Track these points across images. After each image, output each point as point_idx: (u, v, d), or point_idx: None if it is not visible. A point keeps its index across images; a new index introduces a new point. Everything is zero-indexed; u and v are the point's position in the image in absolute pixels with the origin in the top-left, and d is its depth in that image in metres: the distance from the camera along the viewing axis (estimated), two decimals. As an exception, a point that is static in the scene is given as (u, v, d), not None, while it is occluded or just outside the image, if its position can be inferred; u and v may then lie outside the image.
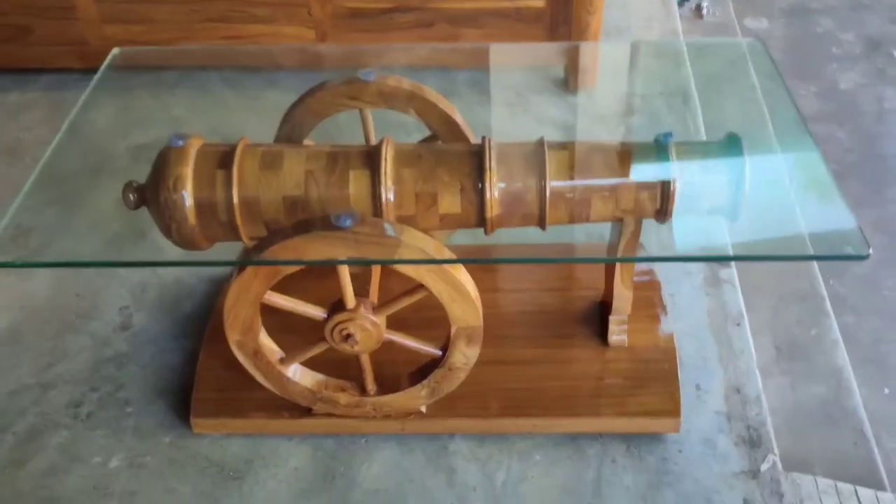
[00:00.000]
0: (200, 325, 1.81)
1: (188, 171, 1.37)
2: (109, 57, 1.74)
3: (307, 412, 1.55)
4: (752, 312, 1.93)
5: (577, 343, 1.67)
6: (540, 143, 1.43)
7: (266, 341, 1.45)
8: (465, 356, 1.44)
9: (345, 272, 1.35)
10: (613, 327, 1.64)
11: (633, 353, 1.65)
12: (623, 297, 1.59)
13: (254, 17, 2.32)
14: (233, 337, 1.42)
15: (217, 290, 1.86)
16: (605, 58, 2.52)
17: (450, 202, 1.40)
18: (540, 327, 1.71)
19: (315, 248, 1.29)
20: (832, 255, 1.45)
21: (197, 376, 1.64)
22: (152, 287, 1.92)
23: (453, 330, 1.41)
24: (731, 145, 1.41)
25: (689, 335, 1.76)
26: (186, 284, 1.92)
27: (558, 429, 1.57)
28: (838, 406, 1.78)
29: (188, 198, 1.36)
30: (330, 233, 1.27)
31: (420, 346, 1.46)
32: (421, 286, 1.36)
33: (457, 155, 1.42)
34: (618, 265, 1.54)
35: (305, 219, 1.32)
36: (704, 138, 2.18)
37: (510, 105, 2.46)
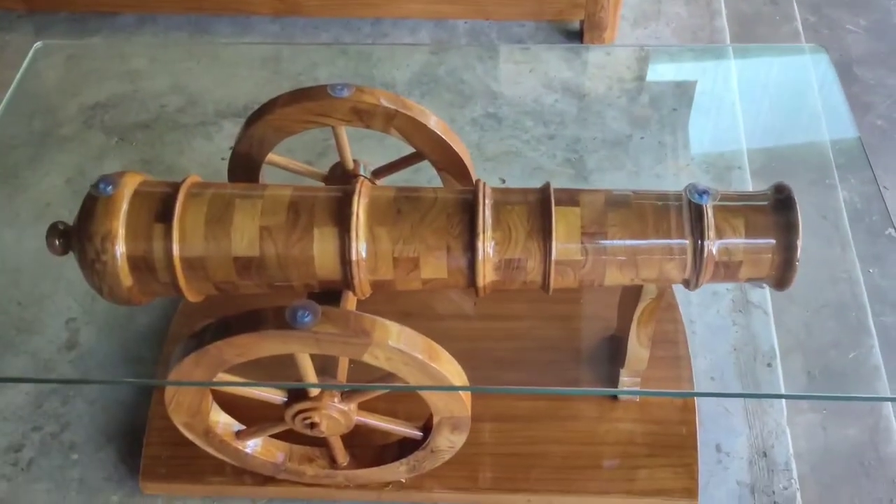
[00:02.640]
0: (155, 346, 1.60)
1: (118, 226, 1.11)
2: (30, 54, 1.44)
3: (270, 479, 1.37)
4: (783, 329, 1.71)
5: (584, 398, 1.46)
6: (545, 194, 1.16)
7: (219, 418, 1.25)
8: (450, 441, 1.24)
9: (305, 358, 1.13)
10: (625, 380, 1.42)
11: (645, 410, 1.44)
12: (638, 357, 1.36)
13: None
14: (178, 420, 1.22)
15: (174, 302, 1.63)
16: (628, 8, 2.18)
17: (434, 266, 1.15)
18: (540, 370, 1.49)
19: (267, 346, 1.06)
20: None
21: (148, 426, 1.44)
22: (103, 296, 1.70)
23: (436, 419, 1.19)
24: (781, 202, 1.14)
25: (712, 378, 1.54)
26: (142, 293, 1.69)
27: (556, 504, 1.38)
28: (874, 453, 1.59)
29: (120, 257, 1.12)
30: (285, 332, 1.04)
31: (397, 429, 1.26)
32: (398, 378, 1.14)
33: (444, 209, 1.15)
34: (634, 323, 1.31)
35: (255, 311, 1.07)
36: (744, 145, 1.90)
37: (516, 62, 2.14)
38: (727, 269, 1.16)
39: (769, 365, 1.57)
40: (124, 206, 1.12)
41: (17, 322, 1.67)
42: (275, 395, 1.19)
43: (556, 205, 1.15)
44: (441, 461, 1.28)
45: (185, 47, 2.20)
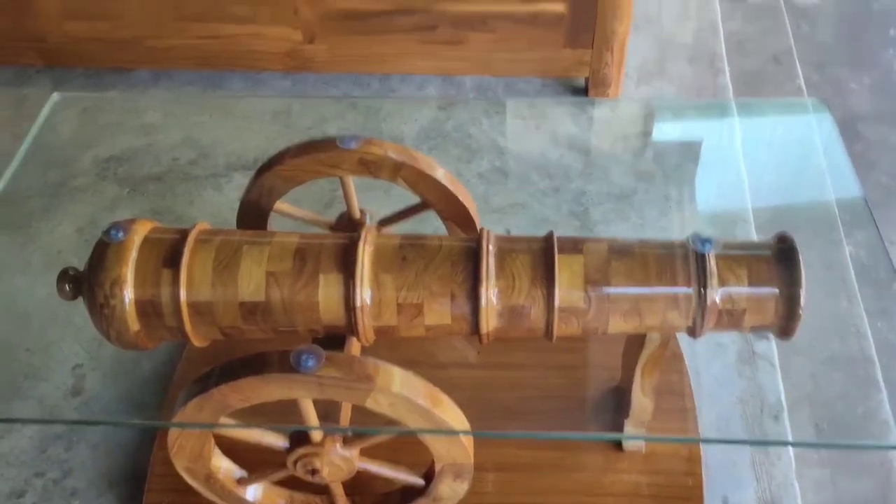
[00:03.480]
0: (160, 392, 1.60)
1: (128, 272, 1.13)
2: (47, 106, 1.48)
3: (271, 529, 1.35)
4: (790, 381, 1.70)
5: (587, 443, 1.45)
6: (549, 242, 1.18)
7: (221, 463, 1.24)
8: (452, 490, 1.23)
9: (308, 403, 1.13)
10: (630, 429, 1.41)
11: (650, 461, 1.43)
12: (642, 407, 1.36)
13: (233, 15, 2.03)
14: (180, 464, 1.21)
15: (180, 348, 1.63)
16: (632, 67, 2.23)
17: (438, 313, 1.16)
18: (543, 419, 1.48)
19: (271, 391, 1.07)
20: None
21: (149, 472, 1.44)
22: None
23: (438, 467, 1.19)
24: (784, 252, 1.15)
25: (718, 430, 1.53)
26: (149, 341, 1.70)
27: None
28: (885, 510, 1.57)
29: (129, 303, 1.13)
30: (289, 376, 1.04)
31: (399, 475, 1.25)
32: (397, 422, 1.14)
33: (448, 256, 1.17)
34: (638, 372, 1.30)
35: (259, 354, 1.08)
36: (748, 202, 1.92)
37: (523, 118, 2.18)
38: (731, 318, 1.16)
39: (776, 417, 1.56)
40: (134, 253, 1.14)
41: (25, 368, 1.67)
42: (277, 440, 1.19)
43: (560, 252, 1.16)
44: (443, 510, 1.27)
45: (199, 101, 2.25)
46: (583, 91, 2.23)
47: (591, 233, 1.87)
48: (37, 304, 1.75)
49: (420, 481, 1.24)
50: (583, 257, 1.16)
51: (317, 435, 1.16)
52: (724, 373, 1.62)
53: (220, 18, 2.02)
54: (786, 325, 1.15)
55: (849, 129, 2.38)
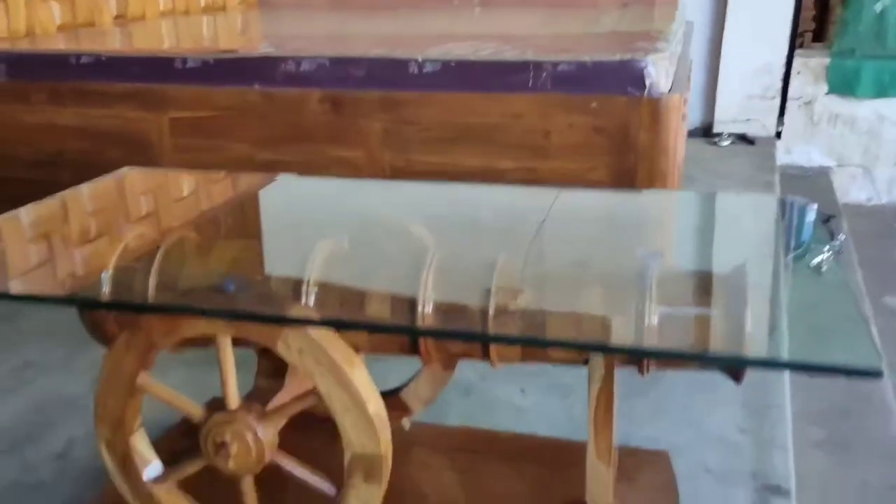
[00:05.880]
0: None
1: None
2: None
3: (181, 562, 1.24)
4: None
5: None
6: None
7: (140, 447, 1.21)
8: (362, 501, 1.12)
9: (228, 360, 1.13)
10: (591, 523, 1.25)
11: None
12: (599, 478, 1.21)
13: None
14: (102, 433, 1.20)
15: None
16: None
17: (379, 313, 1.18)
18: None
19: (191, 323, 1.10)
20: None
21: (89, 505, 1.39)
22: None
23: (347, 458, 1.11)
24: (734, 277, 1.12)
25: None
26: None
27: None
28: None
29: None
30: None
31: (309, 478, 1.16)
32: (314, 391, 1.11)
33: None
34: (590, 427, 1.20)
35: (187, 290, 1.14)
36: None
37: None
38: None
39: (784, 564, 1.31)
40: None
41: (30, 433, 1.73)
42: (196, 409, 1.17)
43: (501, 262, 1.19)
44: (353, 538, 1.14)
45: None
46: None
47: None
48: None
49: (331, 489, 1.15)
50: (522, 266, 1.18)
51: (233, 401, 1.14)
52: (729, 515, 1.42)
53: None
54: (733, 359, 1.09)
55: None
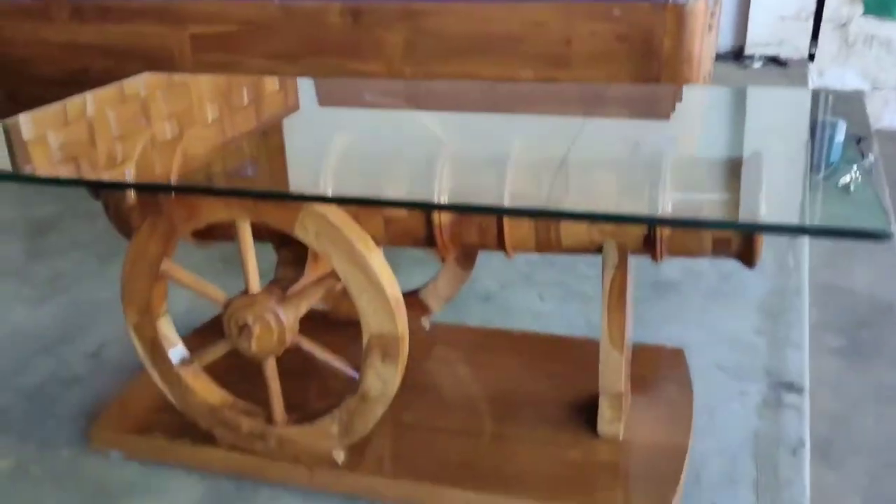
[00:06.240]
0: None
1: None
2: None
3: (210, 441, 1.30)
4: (842, 472, 1.47)
5: (560, 428, 1.32)
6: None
7: (167, 331, 1.26)
8: (380, 380, 1.16)
9: (248, 245, 1.16)
10: (605, 412, 1.28)
11: (626, 447, 1.26)
12: (612, 365, 1.24)
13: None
14: (130, 317, 1.25)
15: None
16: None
17: (395, 191, 1.20)
18: (522, 407, 1.37)
19: (211, 207, 1.13)
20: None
21: (121, 394, 1.45)
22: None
23: (365, 339, 1.14)
24: (749, 164, 1.13)
25: (720, 453, 1.33)
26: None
27: (500, 512, 1.19)
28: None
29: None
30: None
31: (332, 360, 1.20)
32: (332, 273, 1.14)
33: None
34: (603, 313, 1.22)
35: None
36: None
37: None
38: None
39: (794, 453, 1.34)
40: None
41: (63, 336, 1.79)
42: (218, 294, 1.21)
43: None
44: (373, 418, 1.18)
45: None
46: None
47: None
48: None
49: (352, 373, 1.19)
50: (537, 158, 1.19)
51: (255, 285, 1.18)
52: (741, 412, 1.44)
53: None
54: (746, 244, 1.10)
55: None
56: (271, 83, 1.65)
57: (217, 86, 1.64)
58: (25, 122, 1.30)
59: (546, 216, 1.14)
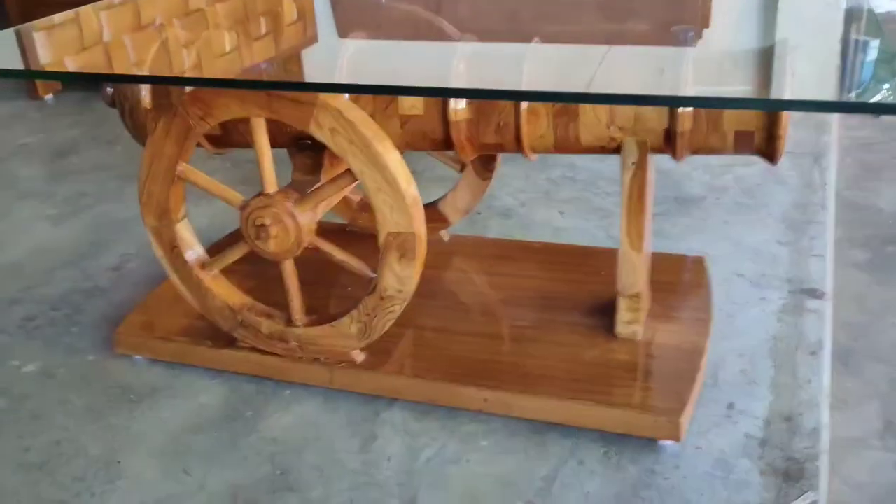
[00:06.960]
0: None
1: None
2: None
3: (231, 343, 1.32)
4: (862, 379, 1.47)
5: (578, 331, 1.32)
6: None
7: (186, 234, 1.27)
8: (398, 279, 1.16)
9: (264, 143, 1.15)
10: (623, 313, 1.27)
11: (643, 347, 1.27)
12: (630, 266, 1.23)
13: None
14: (148, 221, 1.26)
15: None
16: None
17: (411, 101, 1.18)
18: (541, 310, 1.37)
19: (226, 103, 1.12)
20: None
21: (144, 301, 1.47)
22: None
23: (381, 237, 1.14)
24: (775, 55, 1.09)
25: (739, 356, 1.33)
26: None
27: (516, 410, 1.20)
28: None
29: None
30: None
31: (349, 261, 1.20)
32: (347, 172, 1.13)
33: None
34: (622, 212, 1.21)
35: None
36: None
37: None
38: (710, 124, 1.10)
39: (813, 353, 1.34)
40: None
41: (85, 251, 1.81)
42: (235, 196, 1.21)
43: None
44: (391, 317, 1.19)
45: None
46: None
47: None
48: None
49: (370, 273, 1.19)
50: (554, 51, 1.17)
51: (271, 186, 1.17)
52: (761, 316, 1.43)
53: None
54: (769, 140, 1.08)
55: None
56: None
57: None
58: (39, 35, 1.29)
59: (565, 99, 1.11)
